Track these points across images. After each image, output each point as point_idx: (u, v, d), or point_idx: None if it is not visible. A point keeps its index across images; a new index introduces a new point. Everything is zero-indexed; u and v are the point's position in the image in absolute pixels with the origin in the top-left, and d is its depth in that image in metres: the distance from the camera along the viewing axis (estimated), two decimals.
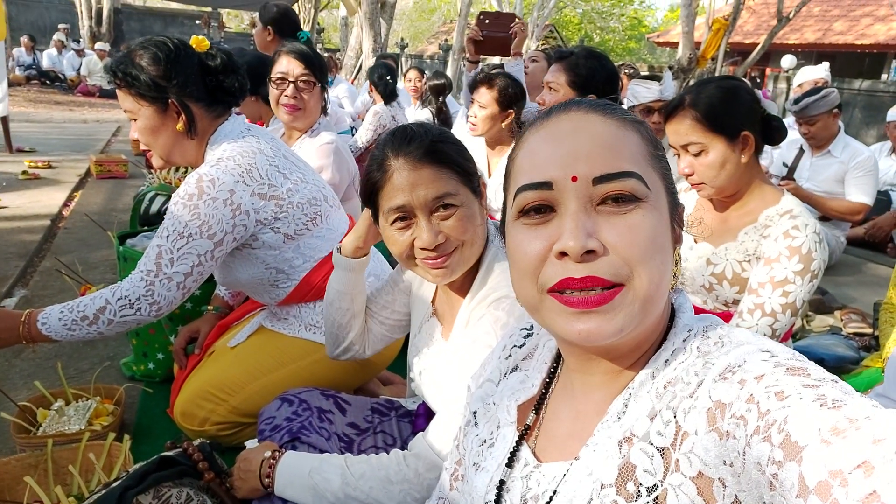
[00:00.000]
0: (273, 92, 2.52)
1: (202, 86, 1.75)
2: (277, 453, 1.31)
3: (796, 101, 3.92)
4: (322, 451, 1.40)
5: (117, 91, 1.72)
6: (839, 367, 2.09)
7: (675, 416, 0.67)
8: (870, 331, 2.88)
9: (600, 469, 0.70)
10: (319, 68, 2.56)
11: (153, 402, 2.09)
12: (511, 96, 2.83)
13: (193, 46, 1.76)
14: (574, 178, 0.69)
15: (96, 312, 1.62)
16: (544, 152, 0.73)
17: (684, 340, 0.73)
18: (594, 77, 2.59)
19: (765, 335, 1.65)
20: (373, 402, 1.68)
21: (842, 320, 3.04)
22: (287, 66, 2.50)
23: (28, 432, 1.79)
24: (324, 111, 2.65)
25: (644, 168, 0.71)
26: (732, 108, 1.70)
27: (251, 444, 1.43)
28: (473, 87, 2.89)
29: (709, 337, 0.71)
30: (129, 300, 1.62)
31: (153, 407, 2.07)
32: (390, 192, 1.23)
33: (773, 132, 1.75)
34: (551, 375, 0.88)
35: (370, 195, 1.29)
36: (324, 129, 2.64)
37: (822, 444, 0.49)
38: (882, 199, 4.50)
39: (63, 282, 3.00)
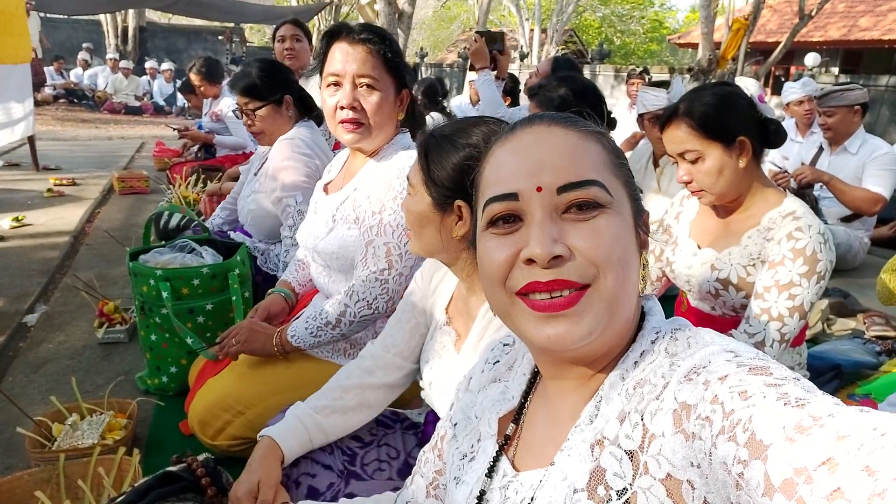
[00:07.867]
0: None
1: None
2: None
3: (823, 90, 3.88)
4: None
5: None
6: (857, 372, 2.04)
7: (642, 419, 0.67)
8: (894, 334, 2.80)
9: (574, 473, 0.71)
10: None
11: (165, 416, 2.12)
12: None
13: None
14: (539, 189, 0.72)
15: (338, 317, 1.75)
16: (510, 165, 0.76)
17: (652, 342, 0.74)
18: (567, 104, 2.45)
19: (774, 340, 1.63)
20: (378, 415, 1.68)
21: (864, 323, 2.97)
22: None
23: (44, 447, 1.83)
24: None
25: (606, 176, 0.74)
26: (727, 114, 1.69)
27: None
28: None
29: (676, 339, 0.72)
30: (367, 301, 1.73)
31: (165, 421, 2.10)
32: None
33: (770, 135, 1.73)
34: (530, 386, 0.89)
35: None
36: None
37: (787, 442, 0.50)
38: None
39: (83, 298, 3.06)
